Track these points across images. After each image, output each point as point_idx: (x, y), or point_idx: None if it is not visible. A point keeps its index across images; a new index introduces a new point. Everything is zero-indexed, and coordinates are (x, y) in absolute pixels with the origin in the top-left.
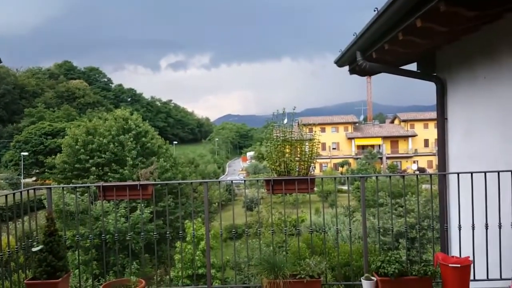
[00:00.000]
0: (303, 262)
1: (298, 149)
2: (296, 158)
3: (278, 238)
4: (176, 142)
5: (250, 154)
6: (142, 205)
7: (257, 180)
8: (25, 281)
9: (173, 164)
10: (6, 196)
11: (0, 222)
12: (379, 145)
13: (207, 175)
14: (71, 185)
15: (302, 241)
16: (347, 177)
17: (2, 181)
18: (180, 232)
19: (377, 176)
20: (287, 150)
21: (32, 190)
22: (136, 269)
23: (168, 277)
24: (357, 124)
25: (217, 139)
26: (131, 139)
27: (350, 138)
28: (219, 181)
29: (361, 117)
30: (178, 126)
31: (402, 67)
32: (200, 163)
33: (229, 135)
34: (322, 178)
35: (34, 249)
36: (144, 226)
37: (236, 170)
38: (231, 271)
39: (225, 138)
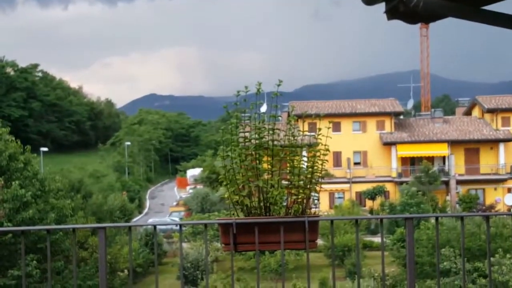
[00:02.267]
0: None
1: (288, 164)
2: (283, 182)
3: None
4: (46, 149)
5: (193, 173)
6: None
7: (206, 225)
8: None
9: (39, 192)
10: None
11: None
12: (444, 158)
13: (107, 214)
14: None
15: None
16: (380, 219)
17: None
18: None
19: (437, 218)
20: (265, 166)
21: None
22: None
23: None
24: (401, 117)
25: (128, 143)
26: None
27: (388, 144)
28: (130, 227)
29: (410, 103)
30: (52, 118)
31: (487, 7)
32: (95, 191)
33: (152, 136)
34: (332, 221)
35: None
36: None
37: (167, 204)
38: None
39: (144, 141)
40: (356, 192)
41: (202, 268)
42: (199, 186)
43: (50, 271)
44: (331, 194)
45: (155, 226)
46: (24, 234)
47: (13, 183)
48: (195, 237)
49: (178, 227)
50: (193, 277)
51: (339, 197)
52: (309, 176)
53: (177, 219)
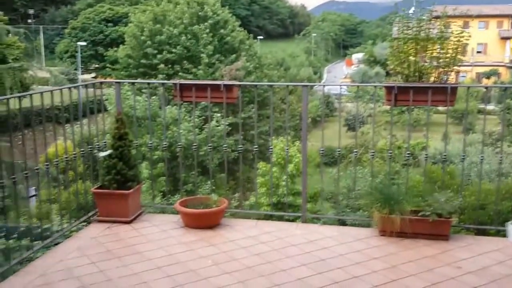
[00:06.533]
0: (429, 197)
1: (435, 48)
2: (433, 62)
3: (384, 168)
4: (261, 37)
5: (357, 56)
6: (222, 112)
7: (376, 86)
8: (92, 190)
9: (257, 65)
10: (62, 91)
11: (56, 124)
12: None
13: (298, 81)
14: (143, 80)
15: (422, 174)
16: (505, 88)
17: (61, 75)
18: (270, 148)
19: None
20: (419, 49)
21: (98, 85)
22: (212, 190)
23: (247, 202)
24: None
25: (314, 34)
26: (207, 30)
27: (504, 38)
28: (324, 85)
29: None
30: (265, 16)
31: None
32: (291, 66)
33: (330, 30)
34: (468, 88)
35: (101, 154)
36: (221, 140)
37: (337, 77)
38: (325, 203)
39: (325, 33)
40: (476, 73)
41: (360, 120)
42: (361, 65)
43: (272, 113)
44: (457, 74)
45: (341, 86)
46: (257, 87)
47: (241, 58)
48: (355, 101)
49: (344, 91)
50: (353, 125)
51: (462, 76)
52: (451, 57)
53: (345, 87)
